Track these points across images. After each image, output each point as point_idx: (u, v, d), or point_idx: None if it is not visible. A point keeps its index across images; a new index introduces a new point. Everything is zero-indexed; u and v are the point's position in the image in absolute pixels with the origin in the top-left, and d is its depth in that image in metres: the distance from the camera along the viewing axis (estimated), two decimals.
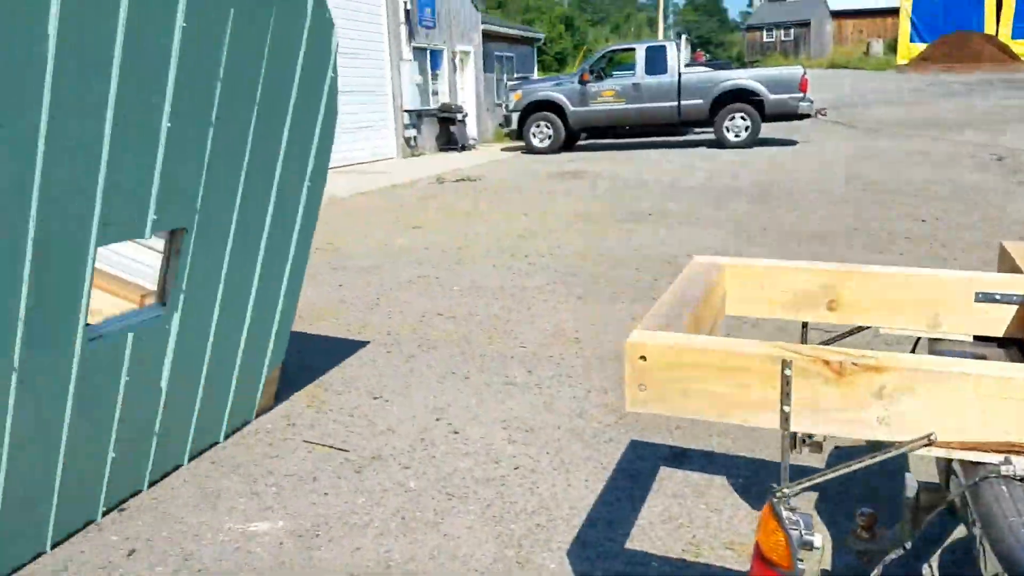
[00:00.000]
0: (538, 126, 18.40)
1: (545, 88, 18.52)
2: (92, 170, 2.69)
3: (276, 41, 3.41)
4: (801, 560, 1.70)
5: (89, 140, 2.65)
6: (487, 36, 23.49)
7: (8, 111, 2.35)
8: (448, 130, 20.27)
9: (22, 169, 2.45)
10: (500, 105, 22.35)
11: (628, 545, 2.94)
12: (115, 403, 3.15)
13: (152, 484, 3.48)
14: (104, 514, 3.24)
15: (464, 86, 22.19)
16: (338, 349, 5.20)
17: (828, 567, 2.73)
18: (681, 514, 3.13)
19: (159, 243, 4.19)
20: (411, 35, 18.61)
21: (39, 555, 2.97)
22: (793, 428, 1.72)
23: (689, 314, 2.02)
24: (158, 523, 3.19)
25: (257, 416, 4.17)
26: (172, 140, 2.98)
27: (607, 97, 17.80)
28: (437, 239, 8.79)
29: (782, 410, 1.71)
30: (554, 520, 3.12)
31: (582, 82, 17.95)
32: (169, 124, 2.94)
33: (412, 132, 18.84)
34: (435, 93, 20.40)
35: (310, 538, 3.05)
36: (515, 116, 18.51)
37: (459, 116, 20.18)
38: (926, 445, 1.65)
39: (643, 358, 1.81)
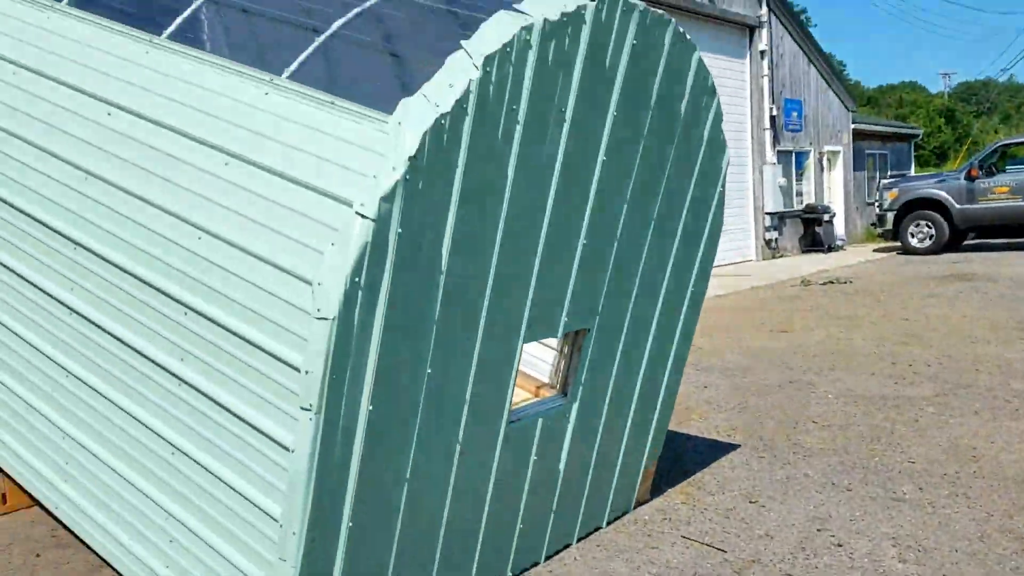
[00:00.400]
0: (917, 225, 17.21)
1: (925, 185, 17.35)
2: (526, 279, 3.23)
3: (675, 165, 3.80)
4: None
5: (527, 254, 3.20)
6: (857, 134, 22.66)
7: (477, 241, 2.95)
8: (812, 231, 19.72)
9: (482, 277, 3.03)
10: (872, 204, 21.27)
11: None
12: (525, 479, 3.62)
13: (547, 558, 3.87)
14: None
15: (831, 186, 21.52)
16: (709, 450, 5.33)
17: None
18: None
19: (550, 340, 4.73)
20: (776, 139, 18.63)
21: None
22: None
23: None
24: None
25: (635, 507, 4.44)
26: (585, 255, 3.46)
27: (1000, 193, 16.16)
28: (806, 343, 8.60)
29: None
30: None
31: (970, 178, 16.53)
32: (584, 242, 3.43)
33: (773, 234, 18.65)
34: (799, 194, 20.04)
35: None
36: (890, 215, 17.54)
37: (825, 216, 19.57)
38: None
39: None
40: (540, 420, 3.63)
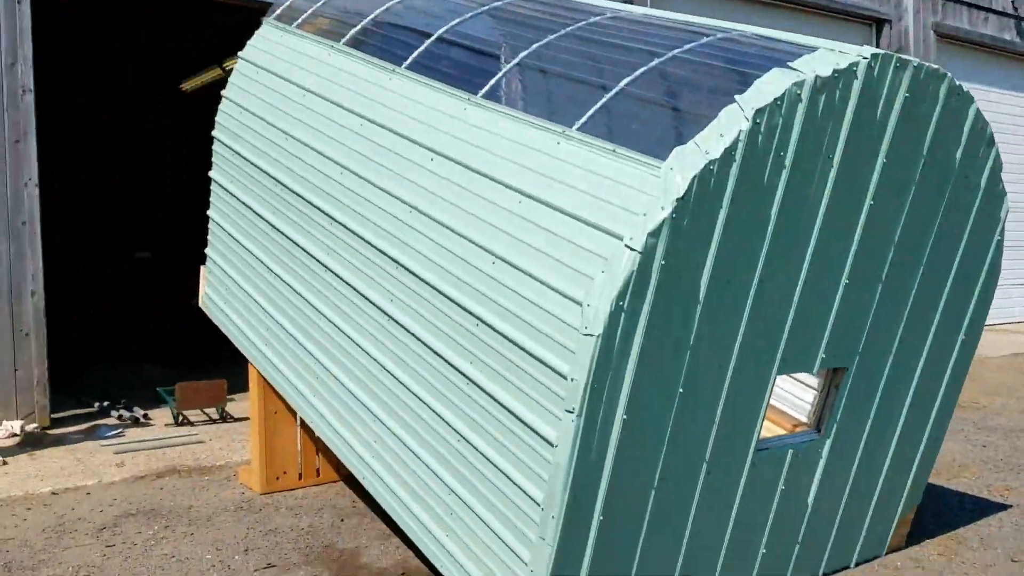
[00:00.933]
0: None
1: None
2: (783, 315, 3.43)
3: (948, 212, 3.79)
4: None
5: (786, 291, 3.40)
6: None
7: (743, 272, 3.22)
8: None
9: (738, 309, 3.29)
10: None
11: None
12: (771, 507, 3.77)
13: None
14: None
15: None
16: (977, 507, 5.07)
17: None
18: None
19: (807, 378, 4.77)
20: None
21: None
22: None
23: None
24: None
25: (887, 553, 4.37)
26: (846, 294, 3.57)
27: None
28: None
29: None
30: None
31: None
32: (847, 281, 3.55)
33: None
34: None
35: None
36: None
37: None
38: None
39: None
40: (790, 451, 3.76)
